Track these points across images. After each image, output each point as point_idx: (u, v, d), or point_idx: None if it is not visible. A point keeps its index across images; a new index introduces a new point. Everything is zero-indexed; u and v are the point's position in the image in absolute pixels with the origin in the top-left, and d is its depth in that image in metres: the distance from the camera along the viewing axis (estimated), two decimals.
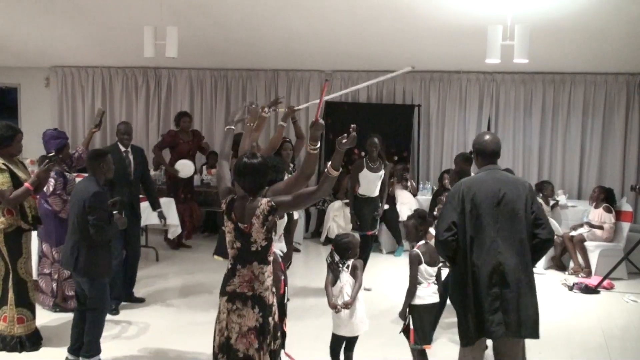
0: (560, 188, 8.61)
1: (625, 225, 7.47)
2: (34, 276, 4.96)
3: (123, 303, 5.83)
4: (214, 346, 3.37)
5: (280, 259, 3.74)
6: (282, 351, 3.87)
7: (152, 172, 8.14)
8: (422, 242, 4.31)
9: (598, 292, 6.83)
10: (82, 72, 10.33)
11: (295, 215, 4.88)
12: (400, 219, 8.23)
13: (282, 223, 3.86)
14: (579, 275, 7.33)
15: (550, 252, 7.70)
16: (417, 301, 4.19)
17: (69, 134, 7.47)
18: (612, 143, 8.58)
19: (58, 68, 10.39)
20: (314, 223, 9.21)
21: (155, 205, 6.23)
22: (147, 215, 6.59)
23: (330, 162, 3.21)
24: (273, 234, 3.29)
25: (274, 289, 3.36)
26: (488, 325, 3.48)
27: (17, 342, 4.67)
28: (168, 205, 7.47)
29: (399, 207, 8.28)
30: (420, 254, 4.21)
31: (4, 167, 4.48)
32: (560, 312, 6.22)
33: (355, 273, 4.22)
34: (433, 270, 4.25)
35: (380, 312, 5.81)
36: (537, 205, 3.59)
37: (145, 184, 6.13)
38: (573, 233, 7.56)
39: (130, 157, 5.90)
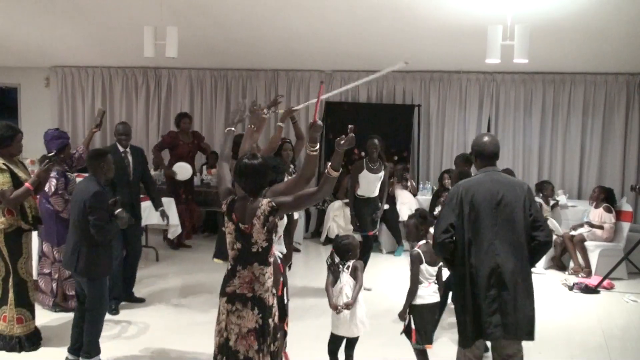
0: (560, 188, 8.61)
1: (625, 225, 7.47)
2: (34, 276, 4.96)
3: (123, 303, 5.84)
4: (214, 347, 3.38)
5: (279, 261, 3.73)
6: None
7: (152, 172, 8.14)
8: (423, 241, 4.31)
9: (598, 292, 6.83)
10: (82, 72, 10.33)
11: (295, 215, 4.89)
12: (400, 219, 8.24)
13: (282, 224, 3.86)
14: (579, 275, 7.33)
15: (551, 252, 7.71)
16: (418, 301, 4.19)
17: (69, 134, 7.45)
18: (612, 143, 8.59)
19: (58, 68, 10.39)
20: (314, 223, 9.21)
21: (157, 205, 6.23)
22: (147, 215, 6.60)
23: (330, 163, 3.22)
24: (274, 235, 3.29)
25: (274, 290, 3.36)
26: (486, 327, 3.48)
27: (16, 342, 4.67)
28: (168, 205, 7.45)
29: (399, 207, 8.29)
30: (422, 254, 4.21)
31: (4, 167, 4.49)
32: (560, 312, 6.22)
33: (355, 274, 4.23)
34: (434, 270, 4.25)
35: (380, 312, 5.80)
36: (536, 207, 3.60)
37: (147, 183, 6.13)
38: (573, 233, 7.56)
39: (130, 157, 5.89)
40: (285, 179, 4.12)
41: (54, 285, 5.56)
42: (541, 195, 7.97)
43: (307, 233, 9.10)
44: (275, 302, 3.36)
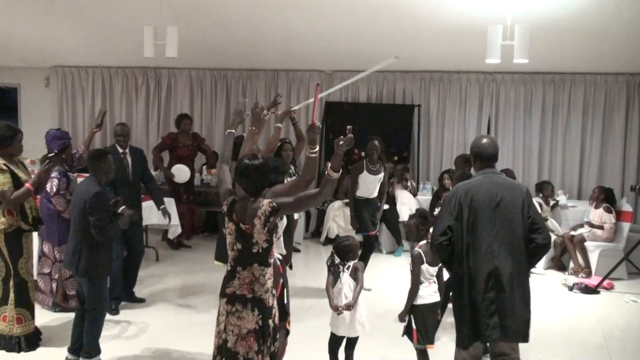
0: (560, 188, 8.61)
1: (625, 226, 7.47)
2: (34, 276, 4.96)
3: (123, 303, 5.84)
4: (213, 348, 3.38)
5: (278, 263, 3.73)
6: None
7: (152, 173, 8.14)
8: (424, 241, 4.31)
9: (598, 292, 6.83)
10: (82, 72, 10.33)
11: (295, 215, 4.88)
12: (400, 219, 8.24)
13: (281, 225, 3.86)
14: (579, 275, 7.33)
15: (550, 252, 7.70)
16: (419, 301, 4.20)
17: (69, 134, 7.47)
18: (612, 143, 8.58)
19: (58, 68, 10.39)
20: (314, 223, 9.21)
21: (158, 203, 6.23)
22: (147, 215, 6.60)
23: (330, 165, 3.22)
24: (274, 235, 3.29)
25: (274, 291, 3.36)
26: (483, 329, 3.49)
27: (15, 342, 4.67)
28: (168, 205, 7.44)
29: (399, 207, 8.28)
30: (423, 254, 4.21)
31: (4, 167, 4.49)
32: (560, 312, 6.22)
33: (356, 275, 4.22)
34: (434, 270, 4.25)
35: (380, 312, 5.81)
36: (534, 209, 3.60)
37: (147, 183, 6.14)
38: (573, 233, 7.57)
39: (129, 158, 5.91)
40: (286, 180, 4.12)
41: (54, 285, 5.56)
42: (541, 195, 7.97)
43: (307, 233, 9.10)
44: (275, 303, 3.36)
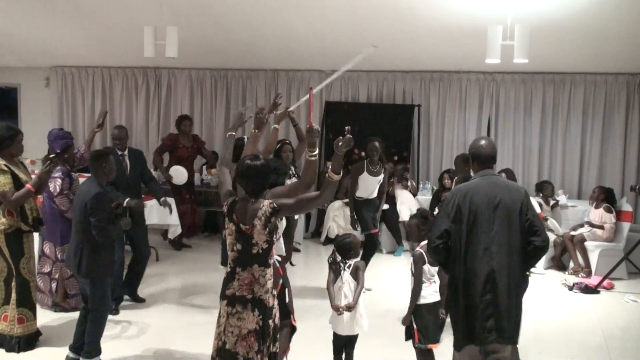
0: (560, 188, 8.61)
1: (626, 225, 7.48)
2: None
3: (123, 303, 5.85)
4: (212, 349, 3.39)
5: (277, 264, 3.74)
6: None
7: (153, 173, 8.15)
8: (425, 241, 4.31)
9: (598, 292, 6.83)
10: (82, 72, 10.33)
11: (295, 215, 4.88)
12: (400, 219, 8.24)
13: (281, 226, 3.87)
14: (579, 275, 7.33)
15: (550, 252, 7.71)
16: (420, 301, 4.19)
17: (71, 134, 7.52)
18: (612, 143, 8.58)
19: (58, 68, 10.39)
20: (314, 223, 9.21)
21: (159, 197, 6.24)
22: (147, 215, 6.59)
23: (330, 167, 3.22)
24: (274, 236, 3.29)
25: (274, 292, 3.36)
26: (480, 332, 3.49)
27: (16, 342, 4.68)
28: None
29: (399, 207, 8.29)
30: (424, 254, 4.20)
31: (5, 168, 4.49)
32: (560, 312, 6.22)
33: (357, 274, 4.22)
34: (435, 270, 4.25)
35: (380, 312, 5.81)
36: (533, 212, 3.59)
37: (148, 183, 6.16)
38: (573, 233, 7.57)
39: (127, 160, 5.93)
40: (287, 182, 4.12)
41: (53, 285, 5.56)
42: (541, 195, 7.97)
43: (307, 233, 9.10)
44: (275, 303, 3.36)
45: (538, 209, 7.20)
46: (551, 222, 7.74)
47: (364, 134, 7.08)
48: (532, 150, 8.86)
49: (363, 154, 8.16)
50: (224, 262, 4.78)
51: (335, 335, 4.28)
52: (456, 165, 6.87)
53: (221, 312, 3.33)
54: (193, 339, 5.06)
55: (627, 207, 7.62)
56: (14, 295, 4.63)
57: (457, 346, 3.66)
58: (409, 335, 4.24)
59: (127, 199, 5.24)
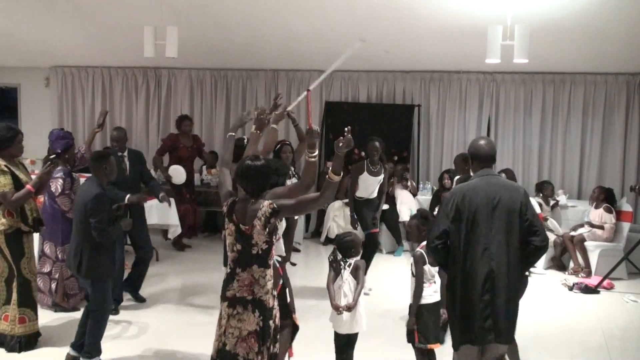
0: (560, 188, 8.60)
1: (625, 225, 7.48)
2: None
3: (123, 303, 5.85)
4: (212, 350, 3.39)
5: (277, 264, 3.74)
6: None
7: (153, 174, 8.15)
8: (425, 242, 4.31)
9: (598, 292, 6.83)
10: (82, 72, 10.33)
11: (295, 216, 4.89)
12: (400, 219, 8.25)
13: (281, 227, 3.87)
14: (579, 275, 7.33)
15: (550, 252, 7.72)
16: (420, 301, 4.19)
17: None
18: (612, 143, 8.58)
19: (58, 68, 10.39)
20: (314, 223, 9.21)
21: (157, 193, 6.26)
22: (147, 215, 6.58)
23: (330, 168, 3.22)
24: (274, 237, 3.29)
25: (274, 292, 3.36)
26: (478, 331, 3.49)
27: (16, 342, 4.68)
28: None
29: (399, 207, 8.29)
30: (424, 254, 4.20)
31: (5, 169, 4.48)
32: (560, 312, 6.22)
33: (357, 274, 4.21)
34: (435, 270, 4.25)
35: (380, 312, 5.81)
36: (532, 211, 3.58)
37: (148, 183, 6.17)
38: (573, 233, 7.57)
39: (127, 161, 5.96)
40: (287, 182, 4.12)
41: (53, 285, 5.57)
42: (541, 195, 7.97)
43: (307, 233, 9.11)
44: (276, 304, 3.36)
45: (538, 209, 7.21)
46: (551, 222, 7.74)
47: (364, 134, 7.08)
48: (532, 150, 8.85)
49: (363, 154, 8.16)
50: (226, 263, 4.79)
51: (335, 334, 4.27)
52: (456, 165, 6.88)
53: (222, 314, 3.32)
54: (193, 339, 5.06)
55: (627, 207, 7.62)
56: (15, 296, 4.63)
57: (455, 345, 3.67)
58: (410, 336, 4.24)
59: (127, 195, 5.29)
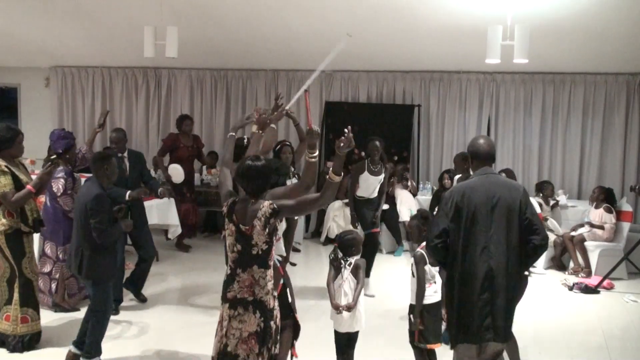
0: (560, 188, 8.60)
1: (625, 225, 7.48)
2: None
3: (124, 303, 5.85)
4: (213, 350, 3.39)
5: (278, 264, 3.74)
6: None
7: (153, 174, 8.15)
8: (425, 242, 4.31)
9: (598, 292, 6.83)
10: (82, 72, 10.33)
11: (296, 216, 4.88)
12: (400, 219, 8.25)
13: (281, 227, 3.87)
14: (579, 275, 7.33)
15: (551, 252, 7.72)
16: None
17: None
18: (612, 143, 8.58)
19: (58, 68, 10.39)
20: (314, 223, 9.21)
21: (156, 188, 6.25)
22: (147, 215, 6.59)
23: (331, 169, 3.22)
24: (274, 237, 3.29)
25: (275, 293, 3.36)
26: (476, 330, 3.49)
27: (19, 341, 4.67)
28: (168, 205, 7.46)
29: (399, 207, 8.29)
30: (425, 254, 4.20)
31: (5, 169, 4.48)
32: (560, 312, 6.22)
33: (357, 273, 4.21)
34: (435, 270, 4.25)
35: (380, 312, 5.81)
36: (531, 210, 3.58)
37: (147, 183, 6.19)
38: (574, 233, 7.57)
39: (127, 162, 5.98)
40: (288, 182, 4.12)
41: (53, 285, 5.56)
42: (541, 195, 7.97)
43: (307, 233, 9.10)
44: (276, 304, 3.36)
45: (538, 209, 7.21)
46: (551, 222, 7.74)
47: (364, 134, 7.08)
48: (532, 150, 8.85)
49: (363, 154, 8.16)
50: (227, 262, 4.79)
51: (335, 333, 4.27)
52: (455, 164, 6.89)
53: (223, 316, 3.32)
54: (193, 339, 5.06)
55: (627, 207, 7.62)
56: (16, 296, 4.63)
57: (452, 343, 3.68)
58: (412, 336, 4.24)
59: (128, 192, 5.32)
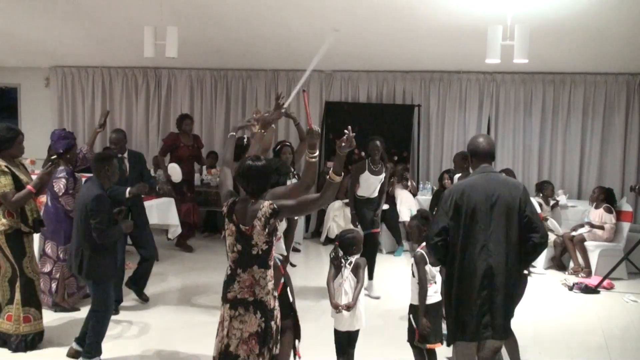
0: (560, 188, 8.60)
1: (625, 225, 7.48)
2: None
3: (124, 303, 5.85)
4: (214, 350, 3.39)
5: (279, 263, 3.74)
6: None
7: (153, 173, 8.15)
8: (425, 242, 4.31)
9: (598, 292, 6.83)
10: (82, 72, 10.33)
11: (296, 216, 4.88)
12: (400, 219, 8.25)
13: (281, 227, 3.86)
14: (579, 275, 7.33)
15: (551, 252, 7.72)
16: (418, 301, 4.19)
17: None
18: (612, 143, 8.58)
19: (58, 68, 10.39)
20: (314, 223, 9.21)
21: (155, 186, 6.23)
22: (147, 215, 6.59)
23: (331, 169, 3.22)
24: (274, 237, 3.29)
25: (275, 293, 3.36)
26: (475, 328, 3.49)
27: (22, 341, 4.67)
28: (168, 205, 7.47)
29: (399, 207, 8.29)
30: (425, 255, 4.20)
31: (6, 169, 4.48)
32: (560, 312, 6.22)
33: (357, 272, 4.21)
34: (436, 270, 4.25)
35: (380, 312, 5.81)
36: (531, 208, 3.58)
37: (147, 182, 6.18)
38: (574, 233, 7.57)
39: (127, 162, 5.99)
40: (288, 182, 4.12)
41: (54, 285, 5.56)
42: (541, 195, 7.97)
43: (307, 233, 9.10)
44: (277, 304, 3.36)
45: (538, 209, 7.20)
46: (551, 222, 7.74)
47: (364, 134, 7.07)
48: (532, 150, 8.85)
49: (363, 154, 8.16)
50: None
51: (336, 332, 4.26)
52: (455, 163, 6.90)
53: (224, 316, 3.32)
54: (193, 339, 5.06)
55: (627, 207, 7.62)
56: (17, 296, 4.63)
57: (450, 341, 3.69)
58: (411, 336, 4.24)
59: (128, 189, 5.34)
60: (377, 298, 6.29)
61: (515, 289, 3.64)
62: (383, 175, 6.54)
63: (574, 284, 6.95)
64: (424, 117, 9.15)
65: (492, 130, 8.91)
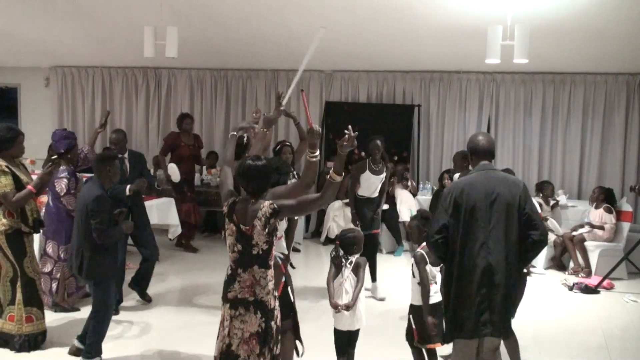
0: (560, 188, 8.61)
1: (625, 225, 7.48)
2: None
3: (124, 303, 5.85)
4: (215, 350, 3.39)
5: (280, 262, 3.74)
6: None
7: (153, 173, 8.15)
8: (425, 242, 4.31)
9: (598, 292, 6.83)
10: (82, 72, 10.34)
11: (296, 216, 4.87)
12: (400, 219, 8.25)
13: (282, 226, 3.86)
14: (579, 275, 7.34)
15: (551, 252, 7.72)
16: (417, 301, 4.19)
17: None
18: (612, 143, 8.58)
19: (58, 68, 10.40)
20: (314, 223, 9.21)
21: (153, 184, 6.23)
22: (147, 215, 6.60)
23: (332, 169, 3.22)
24: (274, 237, 3.29)
25: (275, 293, 3.36)
26: (474, 325, 3.50)
27: (25, 340, 4.67)
28: (168, 205, 7.47)
29: (399, 207, 8.29)
30: (425, 255, 4.20)
31: (6, 169, 4.49)
32: (560, 312, 6.22)
33: (357, 271, 4.21)
34: (436, 270, 4.25)
35: (380, 312, 5.82)
36: (531, 206, 3.58)
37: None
38: (574, 233, 7.57)
39: (127, 162, 5.99)
40: (289, 182, 4.12)
41: (54, 284, 5.56)
42: (541, 195, 7.97)
43: (307, 233, 9.10)
44: (277, 304, 3.36)
45: (538, 209, 7.20)
46: (551, 222, 7.74)
47: (364, 134, 7.05)
48: (532, 150, 8.86)
49: (363, 154, 8.16)
50: None
51: (336, 332, 4.27)
52: (455, 162, 6.90)
53: (225, 316, 3.32)
54: (194, 339, 5.06)
55: (627, 207, 7.62)
56: (19, 296, 4.63)
57: (448, 339, 3.69)
58: (410, 336, 4.24)
59: (128, 186, 5.33)
60: (382, 300, 6.28)
61: (514, 287, 3.64)
62: (384, 174, 6.54)
63: (574, 284, 6.95)
64: (424, 117, 9.15)
65: (492, 130, 8.91)
